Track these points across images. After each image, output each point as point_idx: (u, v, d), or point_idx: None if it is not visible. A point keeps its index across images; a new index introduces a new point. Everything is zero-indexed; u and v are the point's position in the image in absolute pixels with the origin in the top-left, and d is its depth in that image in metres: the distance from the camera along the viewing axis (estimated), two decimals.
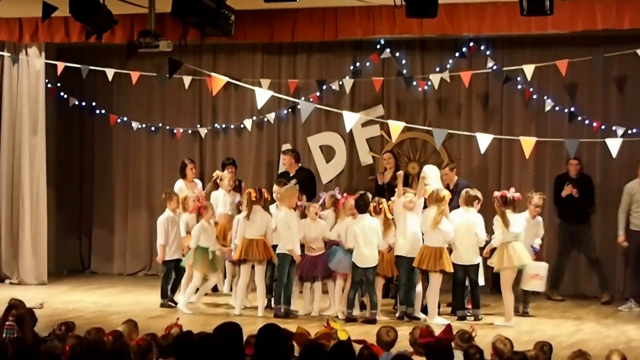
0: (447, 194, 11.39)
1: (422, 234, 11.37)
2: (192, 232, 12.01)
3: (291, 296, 11.67)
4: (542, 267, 11.81)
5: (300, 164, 13.49)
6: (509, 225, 11.15)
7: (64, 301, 12.61)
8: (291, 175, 13.19)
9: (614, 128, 12.89)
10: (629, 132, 12.77)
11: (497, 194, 11.34)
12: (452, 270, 11.30)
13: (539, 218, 12.01)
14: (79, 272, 15.25)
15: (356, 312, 11.57)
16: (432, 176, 11.91)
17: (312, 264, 11.65)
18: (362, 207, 11.37)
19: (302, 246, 11.64)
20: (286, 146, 14.28)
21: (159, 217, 12.42)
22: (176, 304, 12.11)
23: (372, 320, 11.18)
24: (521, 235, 11.36)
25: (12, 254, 14.11)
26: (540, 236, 12.06)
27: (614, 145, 11.85)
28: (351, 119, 12.42)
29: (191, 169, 13.29)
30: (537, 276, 11.69)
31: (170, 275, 12.33)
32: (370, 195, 11.60)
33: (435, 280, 11.28)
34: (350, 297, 11.41)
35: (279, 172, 13.89)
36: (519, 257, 11.25)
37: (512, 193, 11.32)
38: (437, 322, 10.64)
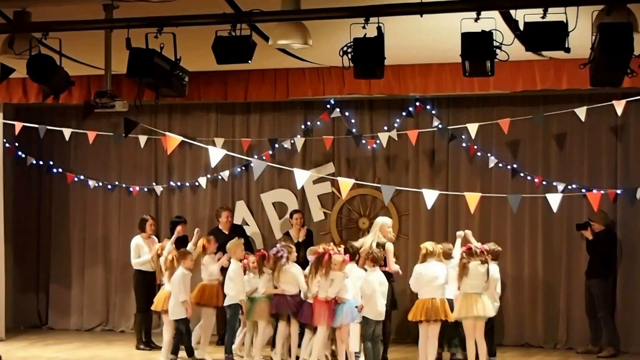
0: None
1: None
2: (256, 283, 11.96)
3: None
4: None
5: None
6: (463, 276, 11.21)
7: (21, 357, 12.74)
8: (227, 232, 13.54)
9: (554, 183, 13.30)
10: (569, 187, 13.23)
11: (463, 247, 11.50)
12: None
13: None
14: (36, 327, 15.34)
15: None
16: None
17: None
18: (377, 259, 11.47)
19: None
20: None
21: (174, 275, 11.90)
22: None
23: None
24: (491, 284, 11.34)
25: None
26: None
27: (554, 200, 12.34)
28: (302, 177, 12.79)
29: (150, 225, 13.49)
30: None
31: (191, 332, 12.04)
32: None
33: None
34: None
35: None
36: (478, 308, 11.18)
37: (489, 245, 11.55)
38: None
